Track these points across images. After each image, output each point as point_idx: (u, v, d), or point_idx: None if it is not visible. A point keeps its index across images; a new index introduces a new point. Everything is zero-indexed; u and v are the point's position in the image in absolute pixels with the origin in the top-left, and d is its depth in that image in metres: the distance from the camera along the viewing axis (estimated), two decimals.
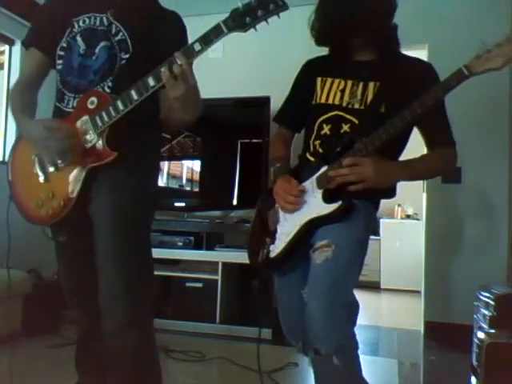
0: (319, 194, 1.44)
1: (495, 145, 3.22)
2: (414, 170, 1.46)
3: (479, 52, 1.23)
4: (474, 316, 2.26)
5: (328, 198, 1.42)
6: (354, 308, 1.44)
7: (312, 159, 1.52)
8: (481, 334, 1.86)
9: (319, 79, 1.55)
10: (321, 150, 1.50)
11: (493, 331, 1.89)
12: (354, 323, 1.43)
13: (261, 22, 1.20)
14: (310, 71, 1.61)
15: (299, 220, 1.46)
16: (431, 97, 1.28)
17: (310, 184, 1.47)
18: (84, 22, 1.41)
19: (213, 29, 1.22)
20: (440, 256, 3.31)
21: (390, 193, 1.53)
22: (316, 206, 1.44)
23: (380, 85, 1.45)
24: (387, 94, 1.44)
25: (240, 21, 1.20)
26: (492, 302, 2.03)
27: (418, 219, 5.49)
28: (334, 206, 1.40)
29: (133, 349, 1.34)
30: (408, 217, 5.90)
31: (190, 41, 1.45)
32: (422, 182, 3.42)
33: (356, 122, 1.46)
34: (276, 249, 1.51)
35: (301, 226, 1.45)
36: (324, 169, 1.44)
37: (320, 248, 1.39)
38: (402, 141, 1.51)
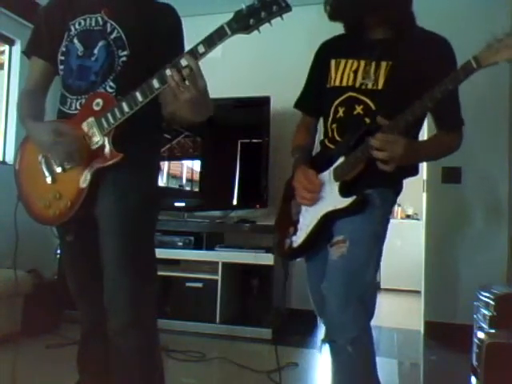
0: (336, 186, 1.44)
1: (495, 145, 3.21)
2: (430, 151, 1.50)
3: (490, 42, 1.20)
4: (474, 316, 2.26)
5: (344, 191, 1.42)
6: (371, 301, 1.48)
7: (330, 145, 1.51)
8: (481, 334, 1.86)
9: (333, 61, 1.53)
10: (337, 136, 1.49)
11: (493, 331, 1.89)
12: (371, 316, 1.48)
13: (264, 23, 1.20)
14: (324, 53, 1.59)
15: (318, 212, 1.47)
16: (441, 90, 1.26)
17: (328, 175, 1.46)
18: (80, 24, 1.41)
19: (216, 31, 1.22)
20: (440, 256, 3.31)
21: (414, 171, 1.53)
22: (333, 198, 1.44)
23: (392, 64, 1.42)
24: (399, 74, 1.41)
25: (243, 23, 1.20)
26: (492, 302, 2.04)
27: (418, 219, 5.48)
28: (349, 200, 1.40)
29: (136, 348, 1.35)
30: (408, 217, 5.90)
31: (184, 38, 1.44)
32: (421, 181, 3.43)
33: (369, 102, 1.43)
34: (298, 239, 1.52)
35: (319, 219, 1.46)
36: (341, 160, 1.43)
37: (336, 244, 1.41)
38: (420, 121, 1.49)
